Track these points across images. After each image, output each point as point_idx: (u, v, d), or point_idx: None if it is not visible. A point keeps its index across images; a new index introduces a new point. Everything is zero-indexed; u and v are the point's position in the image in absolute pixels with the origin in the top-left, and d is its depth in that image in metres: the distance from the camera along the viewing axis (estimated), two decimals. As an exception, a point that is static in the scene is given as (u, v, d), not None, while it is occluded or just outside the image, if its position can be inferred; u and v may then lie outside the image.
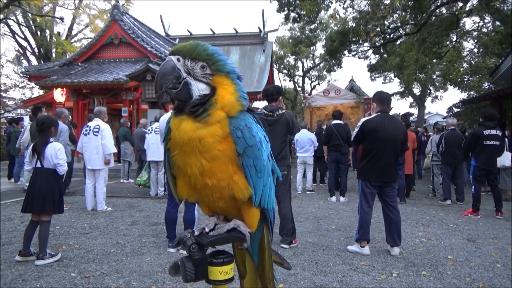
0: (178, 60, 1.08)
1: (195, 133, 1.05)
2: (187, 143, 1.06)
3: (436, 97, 26.87)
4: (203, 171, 1.08)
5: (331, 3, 13.27)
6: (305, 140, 7.89)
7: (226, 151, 1.08)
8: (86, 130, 5.98)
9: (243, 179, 1.11)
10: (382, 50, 19.43)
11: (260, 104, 18.64)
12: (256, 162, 1.12)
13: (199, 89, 1.08)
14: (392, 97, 4.50)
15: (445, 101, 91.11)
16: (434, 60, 16.34)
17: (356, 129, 3.96)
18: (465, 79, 12.30)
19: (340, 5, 13.26)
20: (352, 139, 4.18)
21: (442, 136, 7.28)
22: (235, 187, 1.11)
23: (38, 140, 3.62)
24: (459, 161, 7.16)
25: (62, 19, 18.23)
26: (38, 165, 3.55)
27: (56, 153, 3.57)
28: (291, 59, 29.67)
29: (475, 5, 11.28)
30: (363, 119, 3.99)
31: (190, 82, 1.08)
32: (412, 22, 12.72)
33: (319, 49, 40.08)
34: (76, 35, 23.79)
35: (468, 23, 28.44)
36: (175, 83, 1.07)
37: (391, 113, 4.10)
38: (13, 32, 21.32)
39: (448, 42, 14.86)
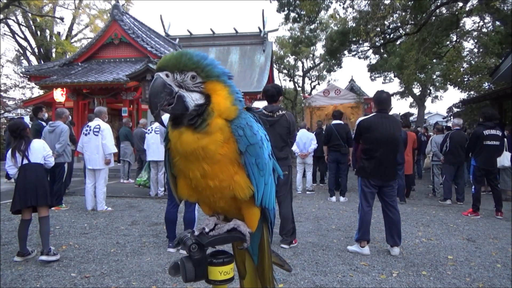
0: (167, 75, 1.05)
1: (198, 143, 1.04)
2: (191, 153, 1.06)
3: (436, 97, 26.87)
4: (205, 174, 1.09)
5: (331, 3, 13.26)
6: (305, 140, 7.89)
7: (228, 152, 1.08)
8: (86, 130, 5.99)
9: (244, 178, 1.11)
10: (382, 50, 19.39)
11: (260, 104, 18.65)
12: (258, 160, 1.12)
13: (193, 99, 1.06)
14: (392, 97, 4.54)
15: (445, 101, 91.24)
16: (434, 60, 16.32)
17: (355, 128, 4.01)
18: (465, 79, 12.31)
19: (340, 5, 13.26)
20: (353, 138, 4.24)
21: (447, 136, 7.26)
22: (236, 187, 1.11)
23: (23, 142, 3.61)
24: (462, 161, 7.17)
25: (62, 19, 18.23)
26: (25, 161, 3.57)
27: (43, 146, 3.74)
28: (291, 59, 29.64)
29: (475, 5, 11.27)
30: (360, 118, 4.03)
31: (184, 95, 1.06)
32: (412, 22, 12.71)
33: (319, 49, 40.05)
34: (76, 35, 23.81)
35: (468, 23, 28.45)
36: (169, 99, 1.05)
37: (391, 113, 4.12)
38: (13, 32, 21.32)
39: (448, 42, 14.87)
